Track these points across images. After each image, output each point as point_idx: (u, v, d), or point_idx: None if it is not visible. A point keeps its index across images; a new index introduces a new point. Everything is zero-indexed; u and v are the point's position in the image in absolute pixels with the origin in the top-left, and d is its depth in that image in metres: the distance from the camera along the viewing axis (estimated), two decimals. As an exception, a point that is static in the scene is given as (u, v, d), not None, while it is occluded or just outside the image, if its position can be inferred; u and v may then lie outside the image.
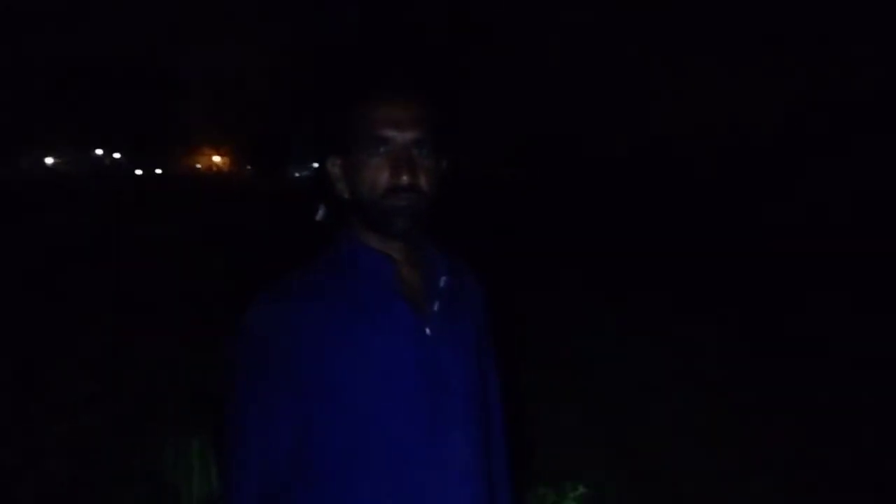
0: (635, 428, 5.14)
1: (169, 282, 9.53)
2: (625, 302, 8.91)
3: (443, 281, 1.45)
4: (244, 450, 1.36)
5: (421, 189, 1.36)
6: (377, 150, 1.36)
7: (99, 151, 75.30)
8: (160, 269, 10.62)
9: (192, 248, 13.10)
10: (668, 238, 14.15)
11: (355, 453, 1.32)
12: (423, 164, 1.36)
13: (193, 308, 7.43)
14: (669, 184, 22.09)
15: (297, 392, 1.32)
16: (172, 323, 7.06)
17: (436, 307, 1.41)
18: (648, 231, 14.98)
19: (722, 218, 16.52)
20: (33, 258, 11.26)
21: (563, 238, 14.17)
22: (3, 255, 11.77)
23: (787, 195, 18.32)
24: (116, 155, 76.01)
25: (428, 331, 1.38)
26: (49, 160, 69.81)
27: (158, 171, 73.25)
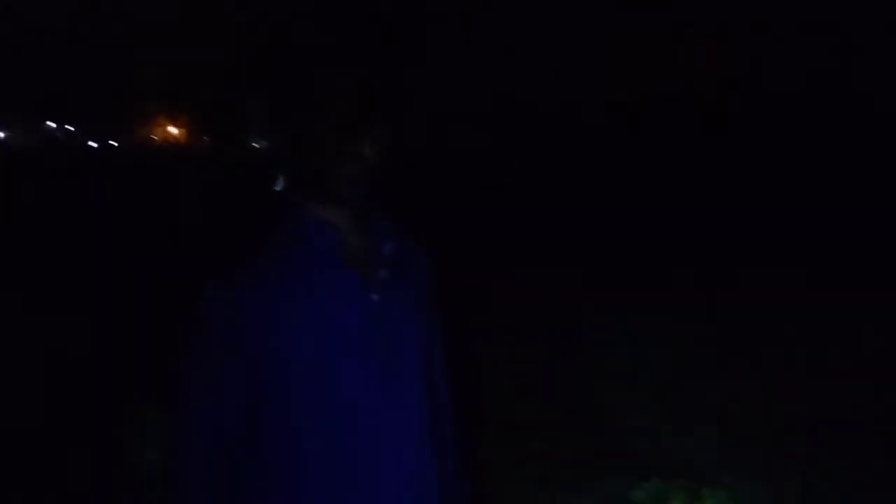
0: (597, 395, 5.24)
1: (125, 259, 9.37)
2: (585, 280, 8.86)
3: (388, 248, 1.48)
4: (191, 426, 1.39)
5: (365, 156, 1.38)
6: (321, 118, 1.38)
7: (51, 123, 73.54)
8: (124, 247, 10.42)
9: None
10: (625, 212, 13.89)
11: (308, 421, 1.35)
12: (366, 130, 1.38)
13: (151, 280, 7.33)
14: (629, 150, 21.99)
15: (249, 366, 1.34)
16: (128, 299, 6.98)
17: (381, 274, 1.44)
18: (603, 205, 14.71)
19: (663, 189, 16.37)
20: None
21: (522, 210, 13.98)
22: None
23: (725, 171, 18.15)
24: (69, 127, 74.24)
25: (374, 297, 1.42)
26: (1, 134, 67.96)
27: (114, 143, 71.72)
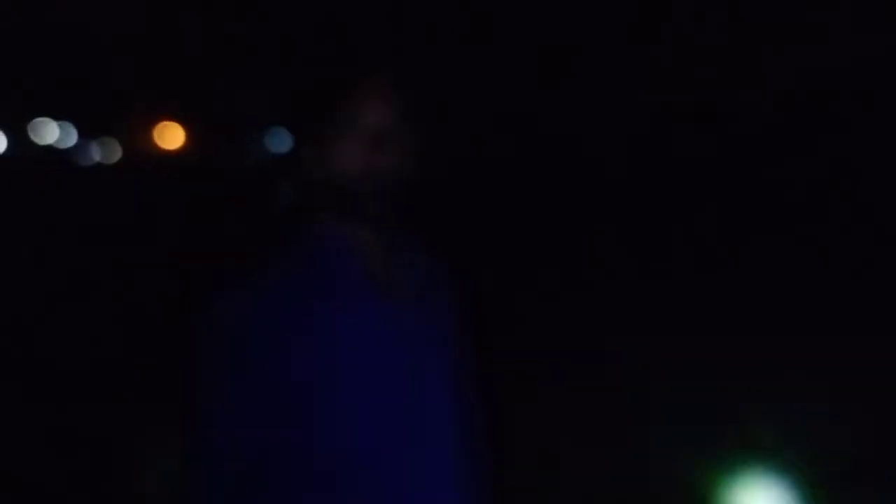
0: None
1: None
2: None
3: (415, 266, 1.44)
4: (209, 448, 1.32)
5: (395, 171, 1.34)
6: (351, 131, 1.33)
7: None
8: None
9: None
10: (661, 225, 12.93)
11: (330, 444, 1.30)
12: (397, 144, 1.34)
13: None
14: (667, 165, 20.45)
15: (269, 386, 1.29)
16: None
17: (409, 293, 1.40)
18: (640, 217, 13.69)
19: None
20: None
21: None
22: None
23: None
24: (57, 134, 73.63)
25: (401, 317, 1.37)
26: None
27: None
